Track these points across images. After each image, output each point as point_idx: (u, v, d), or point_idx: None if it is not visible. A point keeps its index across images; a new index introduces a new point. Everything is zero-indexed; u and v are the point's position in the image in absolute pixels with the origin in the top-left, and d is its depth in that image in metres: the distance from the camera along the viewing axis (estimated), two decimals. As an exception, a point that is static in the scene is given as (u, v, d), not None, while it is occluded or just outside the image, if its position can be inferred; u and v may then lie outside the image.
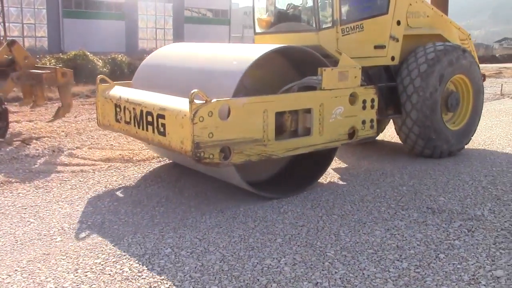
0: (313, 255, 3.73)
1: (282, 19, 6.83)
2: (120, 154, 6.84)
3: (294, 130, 5.16)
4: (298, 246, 3.89)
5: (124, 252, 3.77)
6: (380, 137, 8.14)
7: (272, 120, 4.75)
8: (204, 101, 4.24)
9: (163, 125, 4.69)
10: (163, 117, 4.69)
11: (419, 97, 6.49)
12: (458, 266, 3.57)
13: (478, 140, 7.93)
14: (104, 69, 16.81)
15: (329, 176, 5.91)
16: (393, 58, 6.70)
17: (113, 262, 3.61)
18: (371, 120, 5.67)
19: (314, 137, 5.15)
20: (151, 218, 4.53)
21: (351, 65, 5.56)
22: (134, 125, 5.18)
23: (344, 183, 5.62)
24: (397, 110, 6.69)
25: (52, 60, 16.49)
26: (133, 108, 5.16)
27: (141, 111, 5.02)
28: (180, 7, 40.27)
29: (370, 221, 4.44)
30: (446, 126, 6.88)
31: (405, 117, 6.63)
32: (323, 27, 6.17)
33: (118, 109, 5.48)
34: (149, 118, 4.90)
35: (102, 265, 3.57)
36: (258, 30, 7.08)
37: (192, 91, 4.20)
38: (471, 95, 7.24)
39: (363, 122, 5.59)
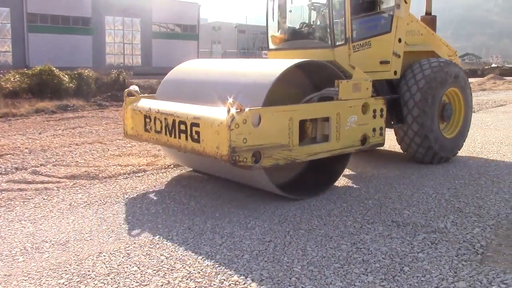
0: (280, 270, 3.74)
1: (295, 37, 7.36)
2: (85, 171, 6.75)
3: (313, 137, 5.68)
4: (265, 261, 3.90)
5: (88, 271, 3.71)
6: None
7: (297, 127, 5.26)
8: (239, 110, 4.67)
9: (197, 132, 5.11)
10: (197, 125, 5.11)
11: (419, 111, 7.12)
12: (422, 278, 3.64)
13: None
14: (71, 84, 16.58)
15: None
16: (395, 73, 7.32)
17: (77, 282, 3.54)
18: (381, 128, 6.25)
19: (332, 143, 5.69)
20: (117, 235, 4.47)
21: (363, 78, 6.14)
22: (166, 134, 5.60)
23: (311, 197, 5.66)
24: (400, 120, 7.29)
25: (17, 76, 16.19)
26: (165, 118, 5.60)
27: (174, 121, 5.45)
28: (148, 22, 40.20)
29: (336, 235, 4.48)
30: (443, 135, 7.54)
31: (406, 128, 7.27)
32: (337, 44, 6.67)
33: (147, 120, 5.92)
34: (182, 127, 5.33)
35: (65, 285, 3.50)
36: (271, 46, 7.58)
37: (228, 101, 4.69)
38: (462, 106, 7.97)
39: (374, 130, 6.15)
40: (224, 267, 3.78)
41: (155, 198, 5.62)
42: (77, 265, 3.82)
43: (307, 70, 6.07)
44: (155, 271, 3.71)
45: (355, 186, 6.16)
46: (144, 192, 5.86)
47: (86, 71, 18.09)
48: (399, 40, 7.25)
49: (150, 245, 4.23)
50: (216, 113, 4.94)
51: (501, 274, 3.71)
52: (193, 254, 4.04)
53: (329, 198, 5.61)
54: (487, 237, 4.48)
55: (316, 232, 4.55)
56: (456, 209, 5.26)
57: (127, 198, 5.62)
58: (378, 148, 7.02)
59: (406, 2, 7.27)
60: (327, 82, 5.83)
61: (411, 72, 7.38)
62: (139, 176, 6.60)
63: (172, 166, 7.15)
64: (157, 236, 4.42)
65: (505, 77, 36.28)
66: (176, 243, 4.28)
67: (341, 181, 6.37)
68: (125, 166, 7.12)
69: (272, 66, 5.65)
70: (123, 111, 6.44)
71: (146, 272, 3.70)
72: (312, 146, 5.54)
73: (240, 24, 79.42)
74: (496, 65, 54.47)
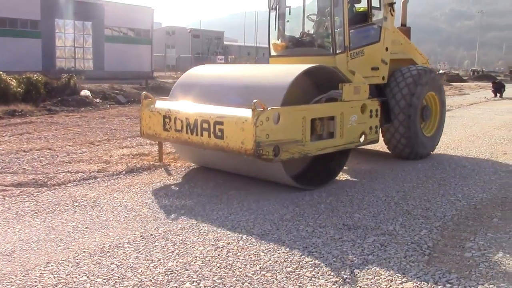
0: (232, 276, 3.74)
1: (296, 45, 8.03)
2: (33, 178, 6.55)
3: (320, 134, 6.28)
4: (218, 267, 3.89)
5: (35, 282, 3.59)
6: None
7: (309, 125, 5.93)
8: (262, 109, 5.29)
9: (221, 130, 5.68)
10: (221, 123, 5.69)
11: (404, 114, 7.97)
12: (372, 280, 3.71)
13: (392, 158, 8.34)
14: (18, 89, 16.05)
15: (250, 195, 5.97)
16: (383, 78, 8.15)
17: (23, 293, 3.43)
18: (376, 126, 7.09)
19: (337, 140, 6.41)
20: (66, 244, 4.35)
21: (361, 82, 7.03)
22: (186, 132, 6.15)
23: (265, 202, 5.69)
24: (388, 120, 8.06)
25: (-40, 80, 15.55)
26: (186, 118, 6.15)
27: (196, 120, 6.00)
28: (100, 25, 39.45)
29: (289, 239, 4.52)
30: (423, 134, 8.48)
31: (393, 131, 8.10)
32: (338, 52, 7.34)
33: (167, 120, 6.44)
34: (205, 125, 5.88)
35: (10, 297, 3.38)
36: (273, 53, 8.23)
37: (253, 101, 5.27)
38: (438, 107, 9.00)
39: (370, 128, 6.97)
40: (176, 274, 3.75)
41: (106, 205, 5.51)
42: (23, 276, 3.70)
43: (310, 74, 6.51)
44: (105, 280, 3.63)
45: (307, 191, 6.23)
46: (94, 199, 5.74)
47: (35, 75, 17.57)
48: (386, 49, 8.07)
49: (100, 253, 4.14)
50: (240, 112, 5.57)
51: (446, 274, 3.84)
52: (144, 261, 3.98)
53: (281, 203, 5.66)
54: (433, 238, 4.62)
55: (269, 237, 4.57)
56: (404, 211, 5.41)
57: (76, 206, 5.48)
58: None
59: (392, 15, 8.10)
60: (327, 85, 6.58)
61: (395, 80, 8.20)
62: (89, 183, 6.46)
63: (124, 172, 7.04)
64: (108, 244, 4.34)
65: (452, 83, 37.61)
66: (127, 251, 4.21)
67: (291, 186, 6.43)
68: (75, 173, 6.95)
69: (286, 70, 6.43)
70: (140, 112, 6.93)
71: (96, 281, 3.62)
72: (321, 141, 6.25)
73: (194, 29, 79.14)
74: (443, 72, 56.45)
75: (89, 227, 4.80)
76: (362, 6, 7.95)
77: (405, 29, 9.51)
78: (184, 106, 6.43)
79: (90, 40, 39.42)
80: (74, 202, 5.60)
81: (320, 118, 6.22)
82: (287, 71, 6.34)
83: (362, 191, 6.25)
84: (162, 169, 7.37)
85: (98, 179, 6.69)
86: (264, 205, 5.58)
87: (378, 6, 8.04)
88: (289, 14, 8.22)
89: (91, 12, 38.46)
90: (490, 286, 3.65)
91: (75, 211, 5.28)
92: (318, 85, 6.78)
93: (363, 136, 6.86)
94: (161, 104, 6.74)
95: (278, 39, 8.28)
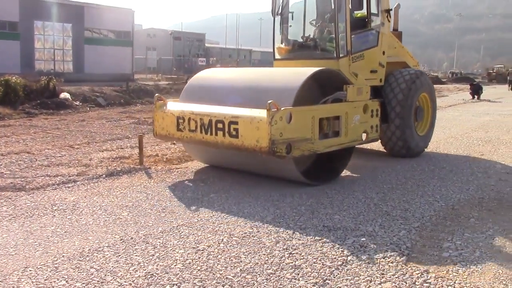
0: (213, 279, 3.74)
1: (300, 49, 8.42)
2: (11, 182, 6.47)
3: (326, 133, 6.57)
4: (199, 270, 3.89)
5: None
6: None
7: (317, 124, 6.30)
8: (276, 109, 5.63)
9: (236, 129, 6.01)
10: (236, 123, 6.01)
11: (400, 115, 8.43)
12: (351, 281, 3.75)
13: (373, 160, 8.42)
14: (-4, 91, 15.84)
15: (231, 198, 5.98)
16: (381, 80, 8.58)
17: (1, 299, 3.39)
18: (376, 125, 7.56)
19: (342, 138, 6.78)
20: (45, 249, 4.31)
21: (363, 83, 7.53)
22: (201, 132, 6.45)
23: (245, 204, 5.70)
24: (385, 120, 8.34)
25: None
26: (200, 119, 6.44)
27: (210, 120, 6.30)
28: (80, 27, 39.08)
29: (269, 241, 4.54)
30: (417, 133, 8.95)
31: (390, 129, 8.48)
32: (341, 56, 7.74)
33: (181, 121, 6.73)
34: (219, 125, 6.19)
35: (-13, 303, 3.34)
36: (277, 56, 8.62)
37: (268, 102, 5.62)
38: (430, 108, 9.51)
39: (371, 127, 7.43)
40: (156, 278, 3.74)
41: (85, 209, 5.47)
42: (0, 281, 3.65)
43: (315, 76, 6.70)
44: (84, 285, 3.61)
45: (288, 192, 6.26)
46: (74, 203, 5.69)
47: (14, 77, 17.32)
48: (383, 53, 8.55)
49: (80, 257, 4.11)
50: (255, 112, 5.90)
51: (424, 274, 3.90)
52: (124, 265, 3.96)
53: (262, 205, 5.68)
54: (412, 238, 4.68)
55: (250, 239, 4.58)
56: (383, 212, 5.47)
57: (55, 210, 5.43)
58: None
59: (388, 21, 8.69)
60: (330, 86, 6.98)
61: (392, 82, 8.65)
62: (69, 187, 6.41)
63: (104, 175, 6.99)
64: (87, 248, 4.31)
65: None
66: (107, 254, 4.18)
67: (275, 188, 6.46)
68: (54, 176, 6.88)
69: (295, 73, 6.78)
70: (154, 113, 7.22)
71: (75, 286, 3.59)
72: (328, 140, 6.59)
73: (175, 31, 78.84)
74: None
75: (68, 231, 4.75)
76: (360, 12, 8.28)
77: (397, 34, 9.87)
78: (198, 107, 6.70)
79: (70, 42, 39.00)
80: (53, 206, 5.55)
81: (327, 118, 6.57)
82: (297, 73, 6.69)
83: (342, 192, 6.30)
84: (143, 172, 7.34)
85: (78, 182, 6.63)
86: (245, 207, 5.60)
87: (376, 12, 8.47)
88: (292, 19, 8.59)
89: (71, 13, 38.08)
90: (467, 285, 3.72)
91: (54, 215, 5.23)
92: (321, 86, 7.10)
93: (365, 134, 7.34)
94: (174, 105, 7.08)
95: (282, 43, 8.68)
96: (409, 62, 9.65)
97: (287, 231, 4.83)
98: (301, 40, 8.54)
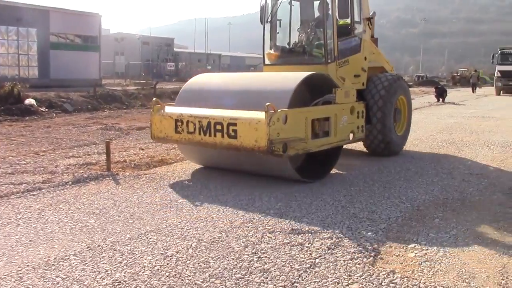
0: (181, 285, 3.73)
1: (290, 54, 8.92)
2: (-27, 191, 6.30)
3: (317, 133, 6.96)
4: (167, 276, 3.87)
5: (-25, 299, 3.47)
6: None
7: (310, 125, 6.71)
8: (273, 111, 6.02)
9: (234, 130, 6.35)
10: (234, 124, 6.36)
11: (382, 115, 8.97)
12: (319, 283, 3.79)
13: (341, 163, 8.51)
14: (-43, 98, 15.40)
15: (199, 202, 5.96)
16: (363, 84, 9.13)
17: (-38, 311, 3.30)
18: (362, 126, 8.10)
19: (331, 138, 7.21)
20: (9, 258, 4.21)
21: (350, 87, 8.18)
22: (199, 134, 6.75)
23: (214, 209, 5.70)
24: (368, 121, 8.70)
25: None
26: (199, 121, 6.75)
27: (209, 122, 6.62)
28: (45, 32, 38.33)
29: (238, 246, 4.54)
30: (396, 133, 9.49)
31: (371, 127, 8.94)
32: (329, 61, 8.30)
33: (179, 123, 7.00)
34: (218, 127, 6.52)
35: None
36: (267, 62, 9.08)
37: (266, 104, 6.01)
38: (406, 109, 10.16)
39: (358, 127, 7.94)
40: (124, 285, 3.70)
41: (51, 217, 5.37)
42: (-38, 293, 3.56)
43: (305, 80, 7.01)
44: (49, 294, 3.54)
45: (257, 196, 6.28)
46: (39, 211, 5.58)
47: (-24, 83, 16.89)
48: (365, 58, 9.14)
49: (45, 266, 4.04)
50: (253, 114, 6.27)
51: (390, 274, 3.97)
52: (91, 273, 3.91)
53: (231, 210, 5.68)
54: (379, 240, 4.76)
55: (219, 244, 4.58)
56: (351, 214, 5.54)
57: (20, 218, 5.32)
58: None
59: (370, 28, 9.30)
60: (318, 90, 7.39)
61: (373, 85, 9.19)
62: (34, 195, 6.28)
63: (70, 182, 6.88)
64: (53, 257, 4.23)
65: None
66: (73, 263, 4.12)
67: (244, 192, 6.48)
68: (18, 184, 6.74)
69: (288, 77, 7.23)
70: (151, 117, 7.43)
71: (40, 295, 3.52)
72: (319, 139, 7.01)
73: (143, 36, 78.18)
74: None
75: (33, 240, 4.66)
76: (342, 20, 8.69)
77: (374, 40, 10.22)
78: (196, 110, 7.03)
79: (35, 47, 38.19)
80: (18, 215, 5.43)
81: (318, 119, 6.97)
82: (290, 77, 7.16)
83: (310, 195, 6.35)
84: (110, 178, 7.26)
85: (43, 190, 6.51)
86: (214, 212, 5.59)
87: (359, 20, 9.01)
88: (280, 26, 9.10)
89: (36, 18, 37.33)
90: (432, 284, 3.80)
91: (19, 224, 5.12)
92: (310, 90, 7.45)
93: (352, 134, 7.83)
94: (172, 109, 7.39)
95: (271, 49, 9.13)
96: (386, 67, 10.16)
97: (256, 235, 4.84)
98: (289, 46, 9.04)
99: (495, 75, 38.25)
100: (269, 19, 9.03)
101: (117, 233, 4.87)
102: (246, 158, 7.06)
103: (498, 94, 37.23)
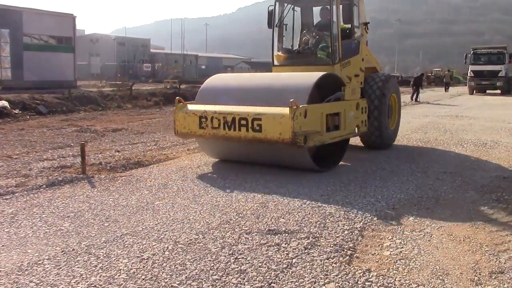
0: (158, 287, 3.70)
1: (298, 56, 9.64)
2: None
3: (329, 127, 7.74)
4: (143, 279, 3.84)
5: None
6: (218, 171, 8.38)
7: (324, 119, 7.53)
8: (296, 107, 6.77)
9: (259, 125, 7.07)
10: (259, 119, 7.07)
11: (378, 112, 9.82)
12: (296, 283, 3.80)
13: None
14: None
15: (176, 205, 5.93)
16: (361, 83, 9.93)
17: None
18: (365, 120, 9.14)
19: (341, 131, 8.08)
20: (-20, 265, 4.13)
21: (356, 85, 9.48)
22: (224, 129, 7.41)
23: (191, 211, 5.67)
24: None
25: None
26: (223, 117, 7.41)
27: (234, 118, 7.29)
28: (18, 33, 37.68)
29: (215, 247, 4.53)
30: (389, 127, 10.45)
31: (369, 126, 9.57)
32: (335, 62, 9.04)
33: (203, 119, 7.64)
34: (243, 122, 7.22)
35: None
36: (276, 63, 9.81)
37: (290, 100, 6.76)
38: (397, 106, 11.14)
39: (362, 121, 8.95)
40: (99, 289, 3.66)
41: (24, 221, 5.28)
42: None
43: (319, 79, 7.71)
44: (23, 300, 3.49)
45: (234, 198, 6.28)
46: (12, 215, 5.48)
47: None
48: (362, 59, 9.99)
49: (18, 271, 3.97)
50: (277, 109, 7.02)
51: (366, 273, 4.01)
52: (66, 278, 3.86)
53: (208, 211, 5.66)
54: (355, 239, 4.80)
55: (195, 246, 4.56)
56: (328, 214, 5.58)
57: (-8, 223, 5.22)
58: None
59: (366, 32, 10.24)
60: (326, 88, 8.09)
61: (369, 84, 10.02)
62: (6, 199, 6.17)
63: (44, 186, 6.78)
64: (26, 262, 4.16)
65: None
66: (47, 267, 4.06)
67: (221, 194, 6.46)
68: (-10, 188, 6.61)
69: (305, 76, 7.96)
70: (175, 114, 8.05)
71: (13, 301, 3.46)
72: (332, 132, 7.85)
73: (119, 37, 77.46)
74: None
75: (6, 245, 4.58)
76: (344, 24, 9.52)
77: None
78: (220, 107, 7.62)
79: (8, 48, 37.50)
80: (-10, 219, 5.33)
81: (330, 114, 7.76)
82: (306, 76, 7.88)
83: (287, 196, 6.37)
84: (86, 181, 7.17)
85: (16, 194, 6.40)
86: (191, 214, 5.57)
87: (357, 25, 9.83)
88: (285, 30, 9.88)
89: (8, 19, 36.66)
90: (407, 282, 3.85)
91: (-9, 229, 5.03)
92: (318, 88, 7.89)
93: (357, 128, 8.75)
94: (195, 106, 7.99)
95: (279, 51, 9.85)
96: (377, 67, 10.99)
97: (232, 236, 4.84)
98: (296, 48, 9.81)
99: (468, 75, 38.98)
100: (278, 24, 9.72)
101: (92, 236, 4.82)
102: (265, 151, 7.71)
103: (471, 93, 37.94)
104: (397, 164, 8.64)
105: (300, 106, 6.87)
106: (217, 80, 8.81)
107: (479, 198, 6.36)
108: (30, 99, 18.77)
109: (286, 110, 6.83)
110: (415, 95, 27.19)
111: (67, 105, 19.29)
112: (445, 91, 41.14)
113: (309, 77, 7.71)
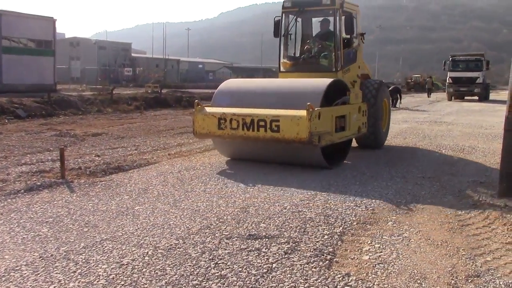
0: (137, 293, 3.69)
1: (303, 63, 10.48)
2: None
3: (336, 128, 8.46)
4: (122, 285, 3.81)
5: None
6: (202, 176, 8.37)
7: (334, 121, 8.32)
8: (311, 109, 7.52)
9: (277, 125, 7.80)
10: (277, 120, 7.81)
11: (373, 115, 10.64)
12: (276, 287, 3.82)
13: (298, 167, 8.61)
14: None
15: (156, 210, 5.91)
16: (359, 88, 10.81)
17: None
18: (365, 122, 10.10)
19: (347, 132, 8.99)
20: (-44, 271, 4.06)
21: (358, 90, 10.49)
22: (242, 129, 8.11)
23: (171, 216, 5.66)
24: None
25: None
26: (242, 119, 8.10)
27: (252, 120, 8.01)
28: (-4, 36, 37.15)
29: (195, 252, 4.53)
30: (381, 129, 11.33)
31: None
32: (338, 69, 9.91)
33: (222, 121, 8.29)
34: (261, 123, 7.93)
35: None
36: (282, 69, 10.62)
37: (308, 104, 7.54)
38: (387, 109, 12.09)
39: (363, 123, 9.88)
40: (77, 295, 3.63)
41: (2, 226, 5.21)
42: None
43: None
44: (-1, 306, 3.44)
45: (214, 203, 6.28)
46: (-11, 221, 5.41)
47: None
48: (359, 67, 10.93)
49: (-5, 278, 3.91)
50: (293, 112, 7.75)
51: (345, 277, 4.04)
52: (43, 284, 3.82)
53: (189, 216, 5.65)
54: (334, 243, 4.84)
55: (175, 251, 4.55)
56: (308, 218, 5.61)
57: (-32, 228, 5.13)
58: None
59: (362, 42, 11.17)
60: (332, 93, 8.64)
61: (364, 89, 10.89)
62: (-17, 204, 6.07)
63: (22, 191, 6.69)
64: (3, 268, 4.11)
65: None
66: (25, 273, 4.01)
67: (202, 199, 6.46)
68: (-33, 193, 6.50)
69: (316, 82, 8.68)
70: (194, 116, 8.68)
71: (-11, 308, 3.42)
72: (339, 133, 8.65)
73: (100, 40, 76.86)
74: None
75: (-17, 251, 4.51)
76: (345, 35, 10.38)
77: None
78: (238, 110, 8.30)
79: (-14, 51, 36.99)
80: (-34, 225, 5.24)
81: (337, 116, 8.49)
82: (318, 82, 8.62)
83: (268, 200, 6.39)
84: (65, 186, 7.10)
85: (-7, 199, 6.31)
86: (171, 219, 5.55)
87: (355, 35, 10.55)
88: (290, 39, 10.67)
89: (-14, 21, 36.17)
90: (385, 286, 3.89)
91: (-33, 235, 4.95)
92: (325, 92, 8.38)
93: (359, 129, 9.59)
94: (213, 109, 8.62)
95: (285, 59, 10.66)
96: (369, 73, 11.87)
97: (213, 241, 4.84)
98: (303, 56, 10.57)
99: (447, 81, 39.56)
100: (285, 33, 10.53)
101: (71, 242, 4.77)
102: (279, 150, 8.42)
103: (450, 99, 38.49)
104: (377, 169, 8.73)
105: (316, 108, 7.63)
106: (230, 85, 9.53)
107: (457, 203, 6.46)
108: (8, 103, 18.50)
109: (303, 112, 7.56)
110: (395, 101, 27.45)
111: (47, 109, 19.06)
112: (428, 97, 42.20)
113: (321, 82, 8.48)
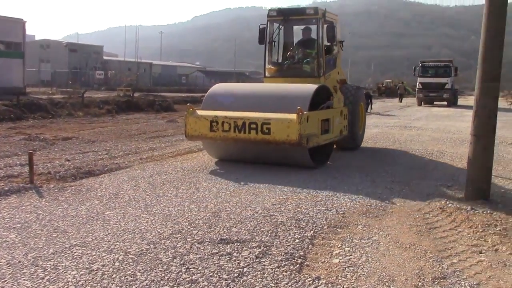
0: (107, 298, 3.66)
1: (287, 68, 10.96)
2: None
3: (322, 131, 9.01)
4: (92, 291, 3.78)
5: None
6: (174, 182, 8.33)
7: (319, 124, 8.88)
8: (301, 113, 7.98)
9: (268, 128, 8.21)
10: (268, 123, 8.22)
11: (351, 117, 11.14)
12: (247, 292, 3.84)
13: (271, 170, 8.65)
14: None
15: (127, 215, 5.86)
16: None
17: None
18: (346, 125, 10.80)
19: (331, 134, 9.56)
20: None
21: (340, 95, 11.03)
22: (234, 132, 8.49)
23: (142, 221, 5.62)
24: None
25: None
26: (234, 121, 8.47)
27: (244, 122, 8.38)
28: (-37, 37, 36.31)
29: (166, 257, 4.51)
30: (358, 131, 11.94)
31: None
32: (321, 75, 10.48)
33: (214, 124, 8.65)
34: (253, 126, 8.31)
35: None
36: (267, 75, 11.11)
37: (298, 107, 8.06)
38: (363, 113, 12.80)
39: (344, 126, 10.55)
40: (46, 302, 3.58)
41: (-33, 233, 5.10)
42: None
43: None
44: (-36, 314, 3.37)
45: (187, 207, 6.26)
46: (-46, 227, 5.28)
47: None
48: (338, 73, 11.57)
49: (-40, 285, 3.83)
50: (283, 115, 8.23)
51: (316, 280, 4.09)
52: (10, 291, 3.75)
53: (160, 221, 5.63)
54: (305, 247, 4.89)
55: (146, 256, 4.53)
56: (279, 223, 5.65)
57: None
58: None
59: (341, 49, 11.79)
60: (319, 98, 9.31)
61: (345, 94, 11.33)
62: (-52, 210, 5.93)
63: (-11, 196, 6.55)
64: (-30, 275, 4.03)
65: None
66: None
67: (174, 203, 6.44)
68: None
69: (303, 87, 9.26)
70: (186, 119, 9.02)
71: (-46, 316, 3.34)
72: (324, 135, 9.19)
73: (71, 43, 75.80)
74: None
75: None
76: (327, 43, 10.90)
77: None
78: (229, 113, 8.69)
79: (-48, 52, 36.09)
80: None
81: (322, 119, 9.02)
82: (305, 87, 9.17)
83: (240, 205, 6.41)
84: (33, 191, 6.98)
85: (-41, 204, 6.16)
86: (142, 224, 5.52)
87: (335, 43, 11.05)
88: (274, 46, 11.19)
89: (-47, 22, 35.32)
90: (354, 288, 3.95)
91: None
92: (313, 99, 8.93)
93: (340, 132, 10.21)
94: (205, 112, 8.99)
95: (270, 65, 11.10)
96: (346, 79, 12.46)
97: (184, 246, 4.83)
98: (287, 62, 11.02)
99: (417, 86, 40.20)
100: (270, 40, 11.01)
101: (39, 248, 4.70)
102: (268, 151, 8.89)
103: (419, 104, 39.15)
104: (348, 174, 8.83)
105: (305, 112, 8.13)
106: (219, 88, 9.98)
107: (425, 206, 6.59)
108: (-25, 106, 18.09)
109: (293, 116, 8.04)
110: (366, 106, 27.84)
111: (15, 112, 18.68)
112: (399, 102, 43.01)
113: (308, 88, 9.02)
